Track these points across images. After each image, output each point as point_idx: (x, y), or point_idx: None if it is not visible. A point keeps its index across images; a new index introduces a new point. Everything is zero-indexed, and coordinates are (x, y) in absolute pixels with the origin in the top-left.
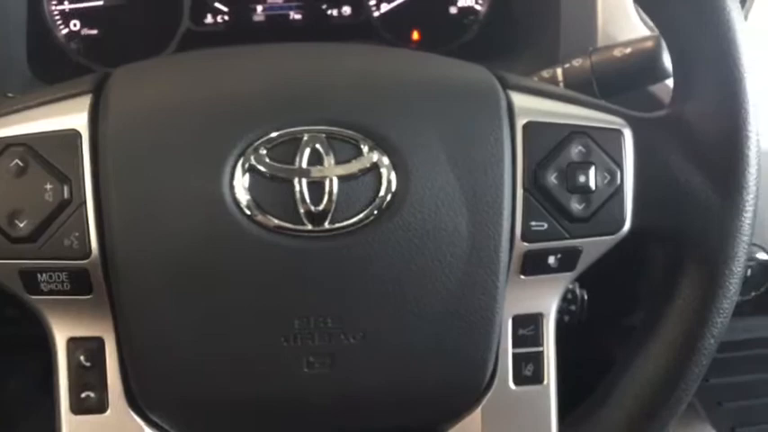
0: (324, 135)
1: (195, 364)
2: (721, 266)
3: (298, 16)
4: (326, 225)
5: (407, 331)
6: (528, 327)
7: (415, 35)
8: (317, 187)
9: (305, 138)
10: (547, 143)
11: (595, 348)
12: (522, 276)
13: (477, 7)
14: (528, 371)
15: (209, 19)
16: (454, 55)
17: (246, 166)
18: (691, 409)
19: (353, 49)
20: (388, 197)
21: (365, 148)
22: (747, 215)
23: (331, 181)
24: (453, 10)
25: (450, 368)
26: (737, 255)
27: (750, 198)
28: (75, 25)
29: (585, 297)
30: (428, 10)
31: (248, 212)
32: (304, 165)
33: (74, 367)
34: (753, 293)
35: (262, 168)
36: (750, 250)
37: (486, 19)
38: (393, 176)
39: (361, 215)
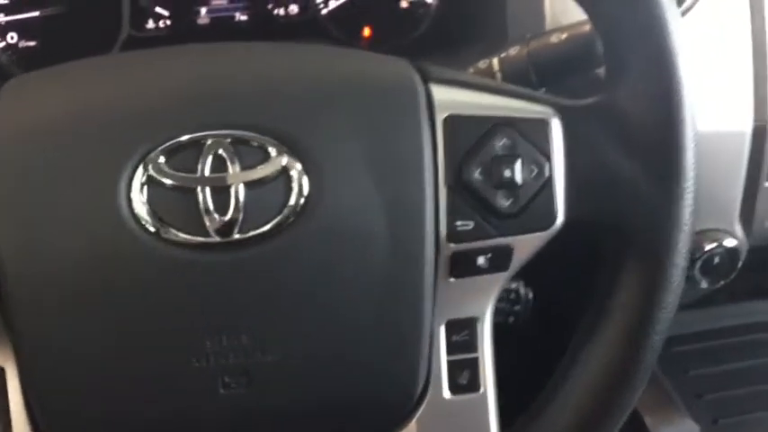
0: (228, 140)
1: (101, 390)
2: (661, 258)
3: (243, 17)
4: (235, 236)
5: (328, 344)
6: (462, 332)
7: (366, 31)
8: (222, 196)
9: (207, 143)
10: (469, 137)
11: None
12: (452, 279)
13: (429, 0)
14: (464, 379)
15: (150, 24)
16: (406, 50)
17: (145, 177)
18: (670, 403)
19: (259, 48)
20: (301, 202)
21: (273, 152)
22: (686, 203)
23: (237, 188)
24: (404, 4)
25: (377, 381)
26: (678, 245)
27: (687, 184)
28: (12, 38)
29: (531, 296)
30: (378, 5)
31: (149, 227)
32: (207, 172)
33: None
34: (722, 282)
35: (161, 179)
36: (717, 237)
37: (437, 12)
38: (305, 180)
39: (271, 223)
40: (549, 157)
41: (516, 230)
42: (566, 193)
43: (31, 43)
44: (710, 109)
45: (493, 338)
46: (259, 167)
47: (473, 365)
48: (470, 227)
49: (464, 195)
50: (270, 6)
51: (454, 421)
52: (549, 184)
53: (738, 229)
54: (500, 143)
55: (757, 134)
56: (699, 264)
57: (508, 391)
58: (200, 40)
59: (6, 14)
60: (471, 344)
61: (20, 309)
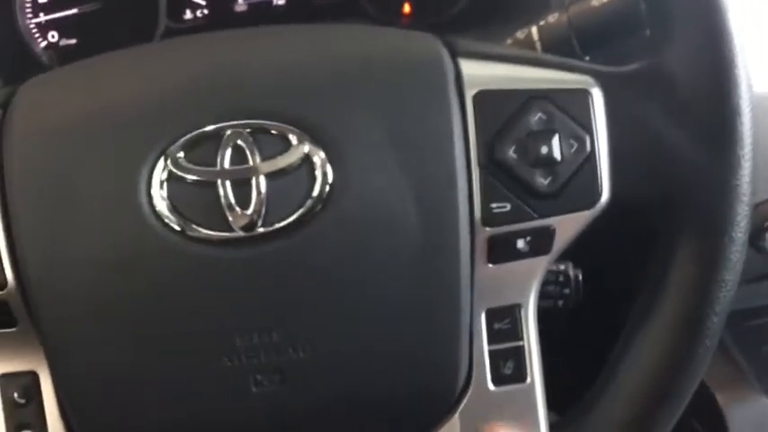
0: (247, 130)
1: (134, 391)
2: (719, 234)
3: (281, 2)
4: (259, 229)
5: (362, 338)
6: (504, 320)
7: (407, 8)
8: (244, 189)
9: (226, 135)
10: (502, 113)
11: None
12: (491, 265)
13: None
14: (508, 369)
15: (188, 15)
16: (447, 26)
17: (164, 173)
18: (743, 380)
19: (273, 32)
20: (326, 191)
21: (294, 140)
22: (743, 171)
23: (258, 180)
24: None
25: (416, 374)
26: (736, 218)
27: (745, 153)
28: (53, 37)
29: (581, 278)
30: None
31: (172, 224)
32: (227, 165)
33: (8, 405)
34: None
35: (181, 174)
36: None
37: None
38: (328, 168)
39: (296, 214)
40: (589, 131)
41: (557, 211)
42: (610, 168)
43: (72, 41)
44: (766, 67)
45: (539, 325)
46: (280, 157)
47: (517, 354)
48: (507, 209)
49: (499, 175)
50: None
51: (499, 414)
52: (591, 159)
53: None
54: (535, 118)
55: None
56: None
57: (559, 379)
58: (239, 27)
59: (46, 14)
60: (514, 332)
61: (47, 314)
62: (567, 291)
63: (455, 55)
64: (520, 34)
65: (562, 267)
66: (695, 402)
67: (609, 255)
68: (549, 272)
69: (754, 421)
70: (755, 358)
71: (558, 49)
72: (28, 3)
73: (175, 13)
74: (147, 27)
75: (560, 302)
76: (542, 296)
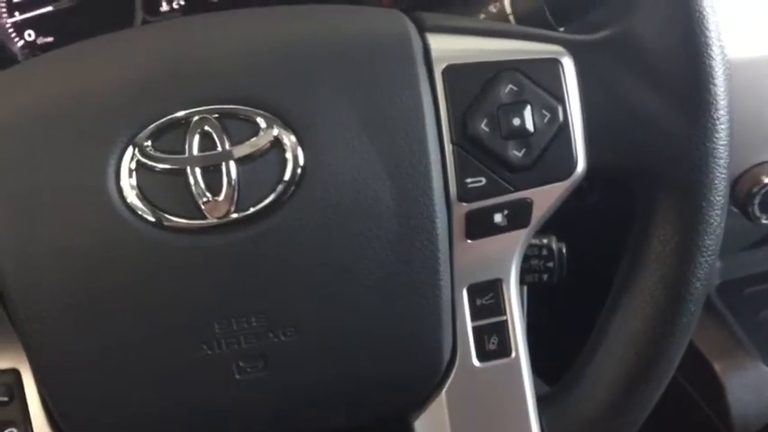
0: (214, 115)
1: (115, 383)
2: (697, 198)
3: None
4: (232, 215)
5: (344, 318)
6: (486, 295)
7: None
8: (214, 175)
9: (193, 121)
10: (471, 87)
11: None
12: (470, 241)
13: None
14: (492, 344)
15: (164, 7)
16: (425, 5)
17: (133, 163)
18: (740, 348)
19: (238, 15)
20: (297, 174)
21: (263, 124)
22: (719, 135)
23: (228, 165)
24: None
25: (400, 353)
26: (714, 183)
27: (720, 115)
28: (29, 35)
29: (564, 251)
30: None
31: (142, 214)
32: (195, 151)
33: None
34: None
35: (150, 163)
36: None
37: None
38: (299, 151)
39: (268, 199)
40: (561, 100)
41: (533, 182)
42: (585, 136)
43: (48, 39)
44: (751, 31)
45: (524, 299)
46: (249, 142)
47: (501, 329)
48: (482, 183)
49: (472, 150)
50: None
51: (485, 389)
52: (564, 129)
53: None
54: (506, 90)
55: None
56: (757, 199)
57: (549, 352)
58: None
59: (21, 12)
60: (497, 307)
61: (24, 309)
62: (550, 264)
63: (423, 30)
64: (492, 8)
65: (545, 241)
66: (693, 371)
67: (593, 226)
68: (532, 246)
69: (751, 388)
70: (752, 325)
71: (532, 21)
72: (3, 2)
73: (152, 6)
74: (123, 21)
75: (545, 276)
76: (526, 271)
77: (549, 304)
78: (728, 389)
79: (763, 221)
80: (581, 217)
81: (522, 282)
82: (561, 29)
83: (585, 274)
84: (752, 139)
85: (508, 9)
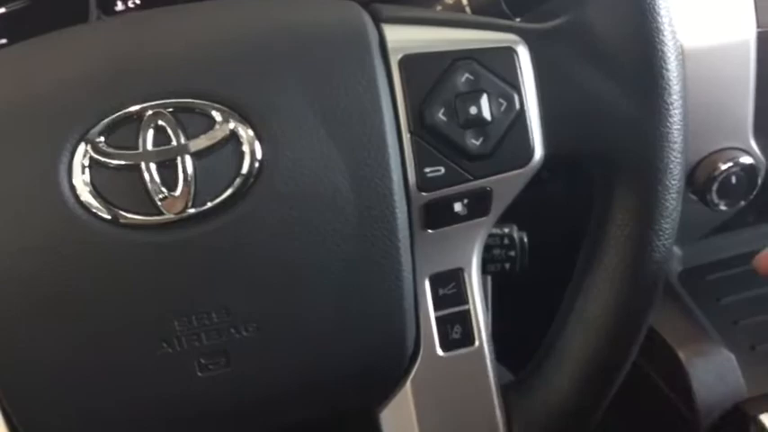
0: (169, 110)
1: (74, 384)
2: (652, 182)
3: None
4: (189, 210)
5: (305, 312)
6: (448, 285)
7: None
8: (169, 170)
9: (146, 116)
10: (428, 77)
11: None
12: (430, 231)
13: None
14: (456, 333)
15: (119, 6)
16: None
17: (86, 160)
18: (703, 335)
19: (191, 9)
20: (255, 167)
21: (218, 118)
22: (673, 120)
23: (183, 160)
24: None
25: (363, 345)
26: (669, 167)
27: (674, 100)
28: None
29: (526, 239)
30: None
31: (98, 212)
32: (149, 147)
33: None
34: (742, 203)
35: (103, 159)
36: (732, 156)
37: None
38: (256, 144)
39: (225, 193)
40: (517, 88)
41: (492, 171)
42: (542, 124)
43: (2, 41)
44: (708, 20)
45: (488, 289)
46: (205, 135)
47: (464, 319)
48: (441, 172)
49: (430, 140)
50: None
51: (450, 378)
52: (521, 117)
53: (754, 146)
54: (462, 79)
55: (763, 41)
56: (715, 186)
57: (515, 342)
58: None
59: None
60: (460, 296)
61: None
62: (512, 253)
63: (378, 21)
64: None
65: (506, 230)
66: (657, 359)
67: (559, 213)
68: (494, 236)
69: (716, 373)
70: (715, 312)
71: (488, 12)
72: None
73: (106, 5)
74: (78, 21)
75: (507, 265)
76: (489, 260)
77: (516, 293)
78: (692, 375)
79: (722, 208)
80: (547, 205)
81: (484, 271)
82: (518, 19)
83: (552, 262)
84: (709, 127)
85: (464, 0)
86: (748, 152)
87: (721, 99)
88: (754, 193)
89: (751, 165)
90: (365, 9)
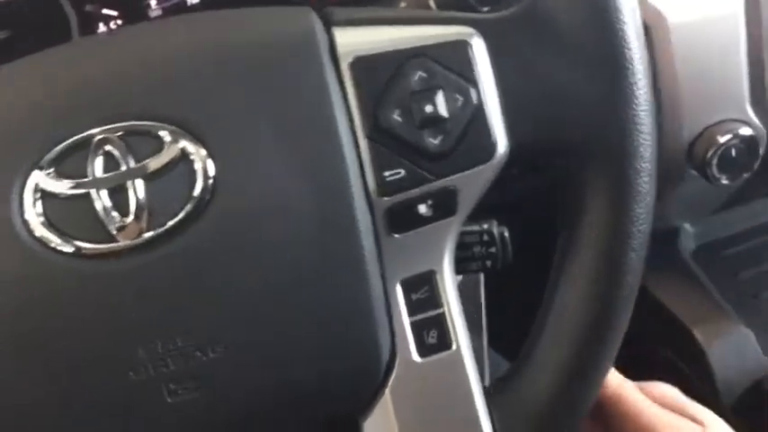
0: (117, 134)
1: (41, 420)
2: (623, 166)
3: (195, 1)
4: (144, 235)
5: (272, 329)
6: (421, 289)
7: None
8: (121, 195)
9: (94, 142)
10: (380, 78)
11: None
12: (396, 235)
13: None
14: (432, 338)
15: (101, 29)
16: None
17: (37, 193)
18: (720, 313)
19: (135, 31)
20: (208, 186)
21: (167, 138)
22: (640, 100)
23: (134, 184)
24: None
25: (336, 357)
26: (639, 150)
27: (638, 80)
28: None
29: (506, 234)
30: None
31: (52, 244)
32: (99, 173)
33: None
34: (744, 175)
35: (53, 190)
36: (730, 128)
37: None
38: (209, 162)
39: (180, 214)
40: (473, 82)
41: (454, 169)
42: (504, 116)
43: None
44: None
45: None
46: (154, 157)
47: (440, 322)
48: (401, 175)
49: (387, 142)
50: None
51: (429, 384)
52: (480, 111)
53: (752, 116)
54: (415, 77)
55: (751, 8)
56: (715, 160)
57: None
58: None
59: None
60: (433, 300)
61: None
62: (493, 250)
63: (329, 25)
64: None
65: (485, 226)
66: (674, 340)
67: (533, 208)
68: (472, 233)
69: (734, 352)
70: (731, 288)
71: (453, 5)
72: None
73: (88, 29)
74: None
75: (488, 263)
76: (470, 259)
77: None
78: (710, 355)
79: (723, 182)
80: (531, 197)
81: (466, 270)
82: (485, 9)
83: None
84: (704, 100)
85: None
86: (747, 123)
87: (714, 71)
88: (757, 164)
89: (751, 136)
90: (318, 13)
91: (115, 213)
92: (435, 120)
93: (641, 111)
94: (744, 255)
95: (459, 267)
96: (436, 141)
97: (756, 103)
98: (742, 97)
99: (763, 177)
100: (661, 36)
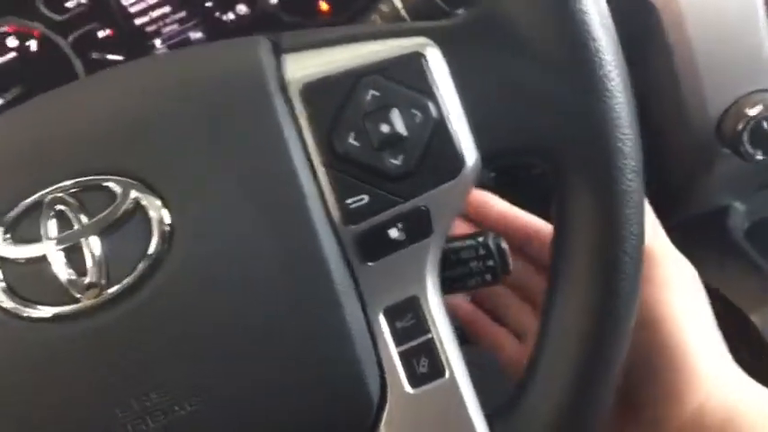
0: (68, 191)
1: None
2: (606, 168)
3: (198, 34)
4: (106, 292)
5: (249, 376)
6: (405, 317)
7: (324, 6)
8: (77, 254)
9: (45, 203)
10: (331, 102)
11: None
12: (371, 263)
13: None
14: (423, 367)
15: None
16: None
17: None
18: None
19: (81, 84)
20: (165, 236)
21: (118, 189)
22: (613, 92)
23: (89, 242)
24: None
25: (324, 398)
26: (619, 146)
27: (609, 71)
28: None
29: (504, 245)
30: None
31: (16, 312)
32: (52, 234)
33: None
34: None
35: (10, 256)
36: (759, 99)
37: None
38: (163, 211)
39: (140, 267)
40: (431, 95)
41: (421, 188)
42: (470, 126)
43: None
44: None
45: (447, 313)
46: (107, 211)
47: (430, 349)
48: (365, 201)
49: (346, 169)
50: (218, 14)
51: (425, 415)
52: (441, 125)
53: None
54: (368, 97)
55: None
56: (746, 135)
57: None
58: None
59: None
60: (420, 326)
61: None
62: (491, 263)
63: (279, 52)
64: (384, 7)
65: (480, 240)
66: (731, 328)
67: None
68: (468, 248)
69: None
70: None
71: (425, 12)
72: None
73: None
74: None
75: (488, 277)
76: (467, 275)
77: None
78: None
79: (758, 158)
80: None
81: (466, 288)
82: (460, 11)
83: None
84: (726, 74)
85: (399, 4)
86: None
87: (733, 42)
88: None
89: None
90: (271, 41)
91: (73, 273)
92: (394, 139)
93: (616, 104)
94: None
95: (457, 285)
96: (398, 162)
97: None
98: (766, 65)
99: None
100: (671, 15)
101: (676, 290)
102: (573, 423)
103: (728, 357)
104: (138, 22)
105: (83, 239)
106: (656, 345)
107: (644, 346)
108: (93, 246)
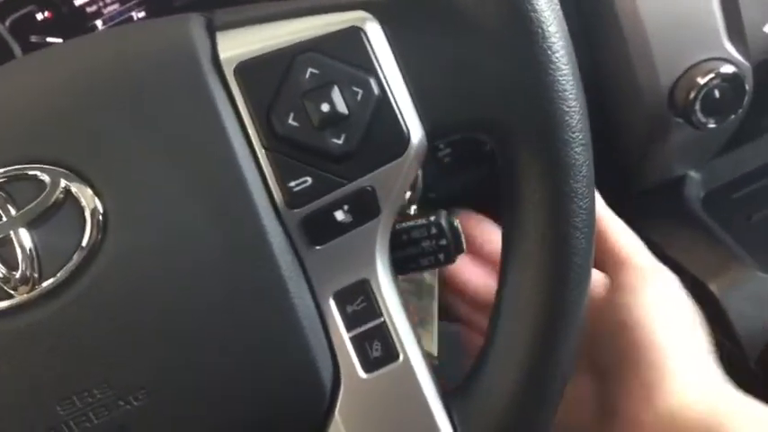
0: None
1: None
2: (551, 141)
3: (141, 14)
4: (41, 286)
5: (195, 367)
6: (356, 300)
7: None
8: (8, 248)
9: None
10: (268, 81)
11: None
12: (318, 247)
13: None
14: (376, 351)
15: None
16: None
17: None
18: (733, 261)
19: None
20: (99, 224)
21: (47, 179)
22: (557, 64)
23: (18, 234)
24: None
25: (275, 387)
26: (565, 119)
27: (551, 43)
28: None
29: (457, 224)
30: None
31: None
32: None
33: None
34: (733, 116)
35: None
36: (710, 67)
37: None
38: (96, 199)
39: (74, 258)
40: (372, 71)
41: (365, 168)
42: (414, 102)
43: None
44: None
45: (399, 295)
46: (36, 202)
47: (382, 333)
48: (308, 183)
49: (287, 150)
50: None
51: (380, 400)
52: (383, 101)
53: (732, 51)
54: (306, 75)
55: None
56: (698, 104)
57: None
58: None
59: None
60: (372, 309)
61: None
62: (443, 242)
63: (213, 30)
64: None
65: (432, 219)
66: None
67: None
68: (419, 227)
69: (752, 299)
70: (745, 231)
71: None
72: None
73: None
74: None
75: (441, 256)
76: (420, 255)
77: None
78: (728, 307)
79: (710, 126)
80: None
81: (419, 268)
82: None
83: None
84: (675, 43)
85: None
86: (727, 59)
87: (681, 9)
88: (746, 101)
89: (734, 73)
90: (204, 18)
91: (4, 268)
92: (334, 118)
93: (560, 76)
94: (757, 195)
95: (411, 265)
96: (339, 141)
97: (734, 37)
98: (717, 33)
99: (763, 110)
100: None
101: (652, 295)
102: (529, 400)
103: (710, 359)
104: (77, 2)
105: (11, 232)
106: (630, 347)
107: (620, 349)
108: (23, 238)
